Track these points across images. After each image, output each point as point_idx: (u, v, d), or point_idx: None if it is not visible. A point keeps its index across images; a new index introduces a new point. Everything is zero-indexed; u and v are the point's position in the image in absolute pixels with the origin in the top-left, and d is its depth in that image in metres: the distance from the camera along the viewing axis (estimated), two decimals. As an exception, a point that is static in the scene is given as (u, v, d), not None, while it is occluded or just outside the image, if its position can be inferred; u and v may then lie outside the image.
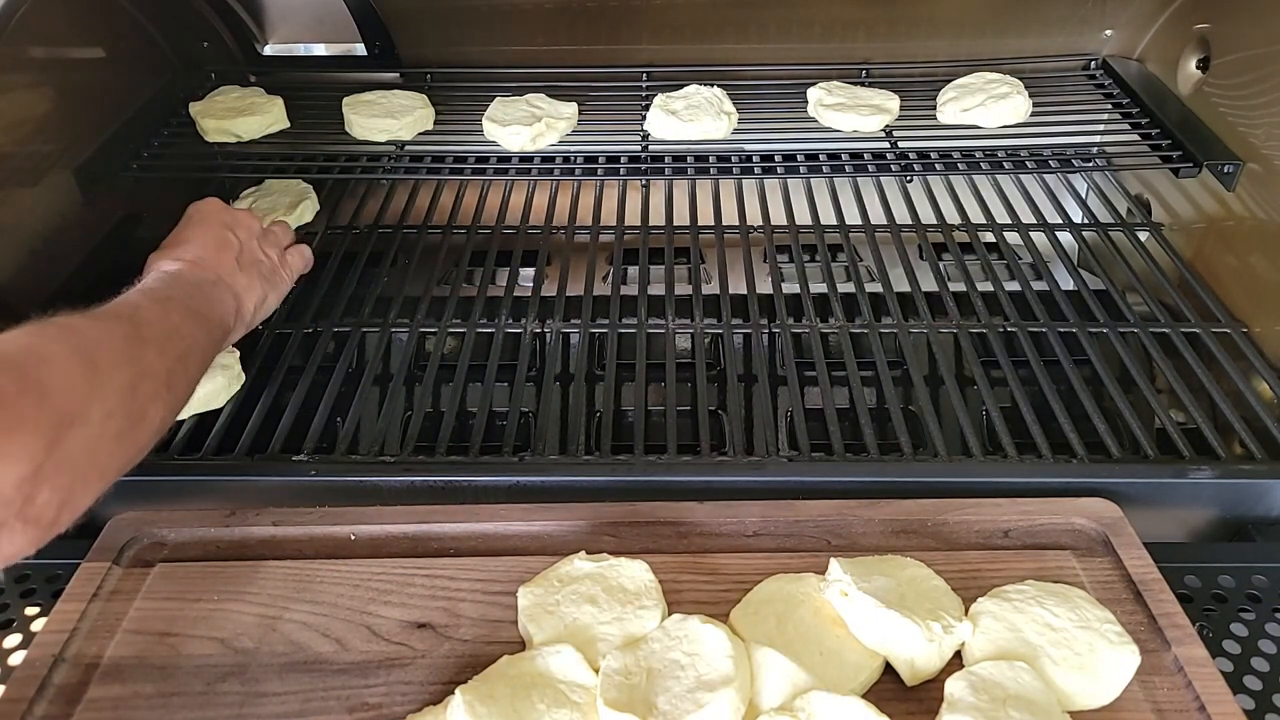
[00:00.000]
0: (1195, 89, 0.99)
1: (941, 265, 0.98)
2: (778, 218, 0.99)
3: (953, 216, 0.99)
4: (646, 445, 0.72)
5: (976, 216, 0.99)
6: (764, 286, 0.91)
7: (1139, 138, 0.98)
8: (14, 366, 0.47)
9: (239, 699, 0.54)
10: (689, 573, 0.60)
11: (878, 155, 1.03)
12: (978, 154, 1.01)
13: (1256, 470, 0.69)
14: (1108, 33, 1.11)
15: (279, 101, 1.02)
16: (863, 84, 1.08)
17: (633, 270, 0.98)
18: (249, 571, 0.61)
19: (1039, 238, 0.97)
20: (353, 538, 0.64)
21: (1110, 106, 1.04)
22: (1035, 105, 1.01)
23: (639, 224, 0.98)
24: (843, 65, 1.11)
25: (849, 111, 1.00)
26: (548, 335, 0.85)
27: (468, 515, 0.64)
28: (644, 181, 1.00)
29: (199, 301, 0.65)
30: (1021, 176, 1.04)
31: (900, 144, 1.00)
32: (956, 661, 0.55)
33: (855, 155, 1.05)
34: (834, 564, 0.57)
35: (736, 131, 1.02)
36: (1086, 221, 1.01)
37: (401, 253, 0.99)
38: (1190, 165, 0.90)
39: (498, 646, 0.56)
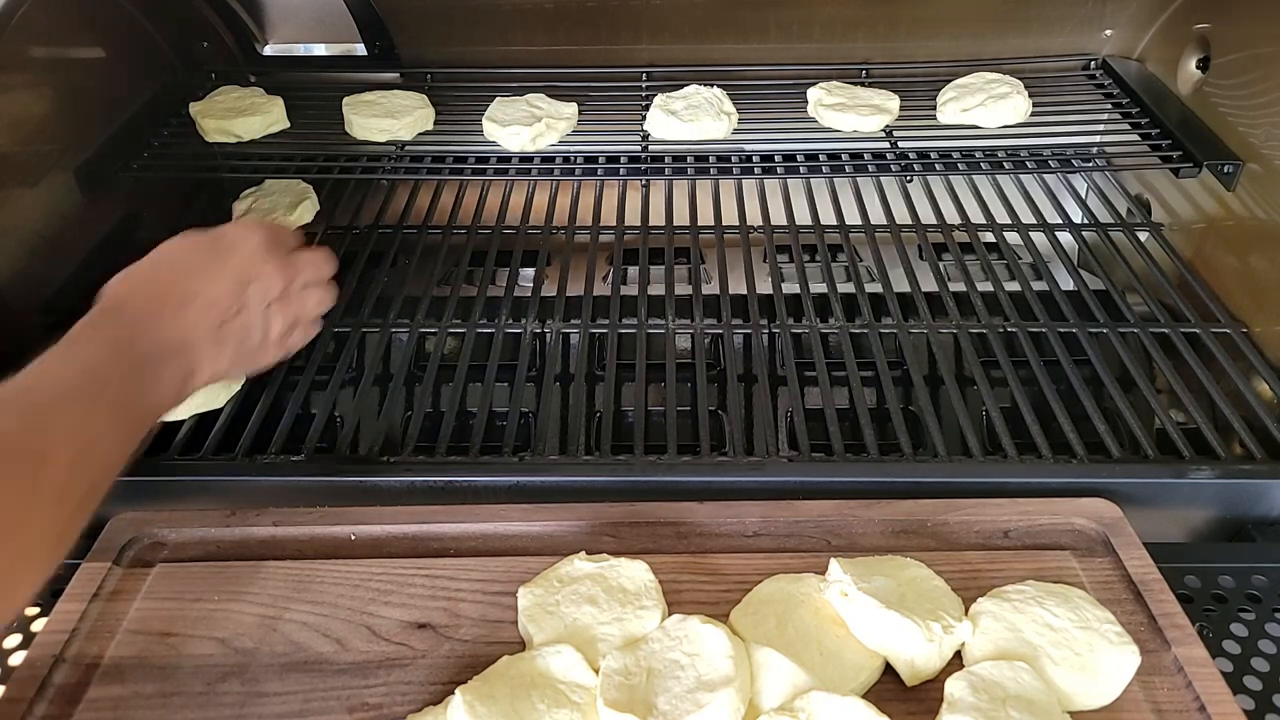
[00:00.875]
0: (1195, 89, 0.99)
1: (941, 265, 0.98)
2: (778, 218, 0.99)
3: (953, 216, 0.99)
4: (646, 445, 0.72)
5: (976, 216, 0.99)
6: (764, 287, 0.90)
7: (1139, 138, 0.98)
8: None
9: (239, 699, 0.54)
10: (689, 573, 0.60)
11: (878, 155, 1.03)
12: (978, 154, 1.01)
13: (1256, 470, 0.69)
14: (1108, 33, 1.11)
15: (279, 101, 1.02)
16: (863, 84, 1.08)
17: (633, 270, 0.97)
18: (249, 571, 0.61)
19: (1039, 238, 0.97)
20: (353, 538, 0.64)
21: (1110, 106, 1.04)
22: (1035, 105, 1.01)
23: (639, 224, 0.98)
24: (843, 65, 1.11)
25: (849, 111, 1.00)
26: (548, 335, 0.85)
27: (468, 515, 0.64)
28: (644, 181, 1.00)
29: (132, 390, 0.55)
30: (1021, 176, 1.04)
31: (900, 144, 1.00)
32: (956, 661, 0.55)
33: (855, 155, 1.05)
34: (834, 564, 0.57)
35: (736, 132, 1.02)
36: (1086, 221, 1.01)
37: (401, 253, 0.99)
38: (1190, 165, 0.90)
39: (498, 646, 0.56)
